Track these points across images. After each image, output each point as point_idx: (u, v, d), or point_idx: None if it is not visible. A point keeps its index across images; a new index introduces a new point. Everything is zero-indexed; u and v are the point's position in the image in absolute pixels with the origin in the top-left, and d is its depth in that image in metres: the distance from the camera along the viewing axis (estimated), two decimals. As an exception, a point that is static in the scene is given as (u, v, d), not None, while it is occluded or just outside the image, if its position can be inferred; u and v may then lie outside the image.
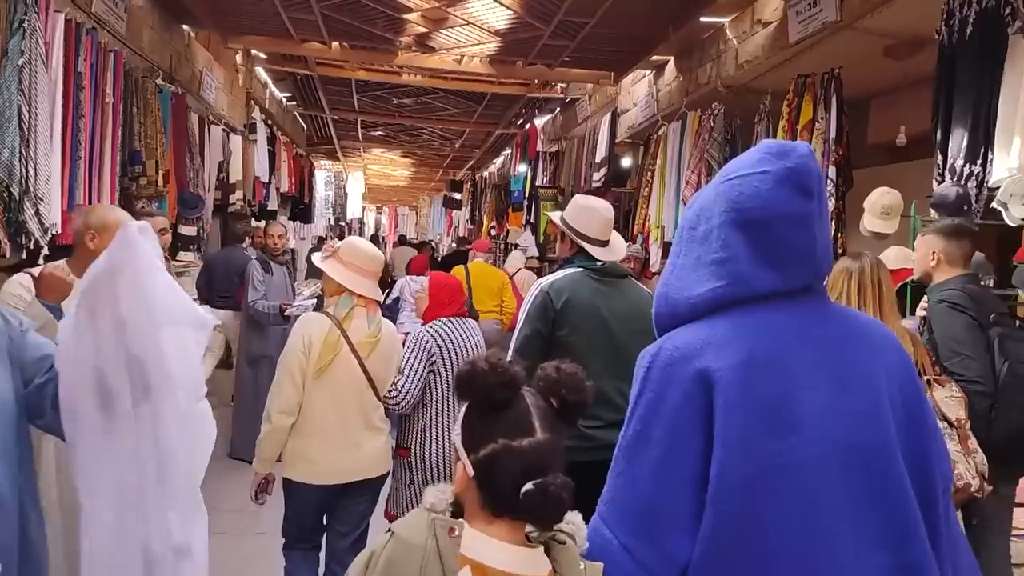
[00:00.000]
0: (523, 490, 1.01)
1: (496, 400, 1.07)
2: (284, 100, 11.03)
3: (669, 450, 1.07)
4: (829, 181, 4.15)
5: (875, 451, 1.06)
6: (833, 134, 4.20)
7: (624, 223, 8.00)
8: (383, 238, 23.58)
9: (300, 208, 12.62)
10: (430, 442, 2.78)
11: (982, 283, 2.82)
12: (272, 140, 9.91)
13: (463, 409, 1.13)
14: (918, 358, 2.26)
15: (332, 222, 18.72)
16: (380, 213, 28.35)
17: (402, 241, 17.54)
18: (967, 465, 2.17)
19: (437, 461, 2.76)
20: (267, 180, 9.57)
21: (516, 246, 10.46)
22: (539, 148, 10.97)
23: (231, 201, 7.69)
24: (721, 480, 1.03)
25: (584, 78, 7.90)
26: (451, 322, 2.90)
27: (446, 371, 2.81)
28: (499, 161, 15.76)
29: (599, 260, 2.49)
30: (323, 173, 18.56)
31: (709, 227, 1.14)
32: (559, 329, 2.39)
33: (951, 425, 2.21)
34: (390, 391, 2.73)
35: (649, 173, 6.92)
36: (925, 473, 1.10)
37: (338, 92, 10.22)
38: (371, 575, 1.04)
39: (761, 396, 1.05)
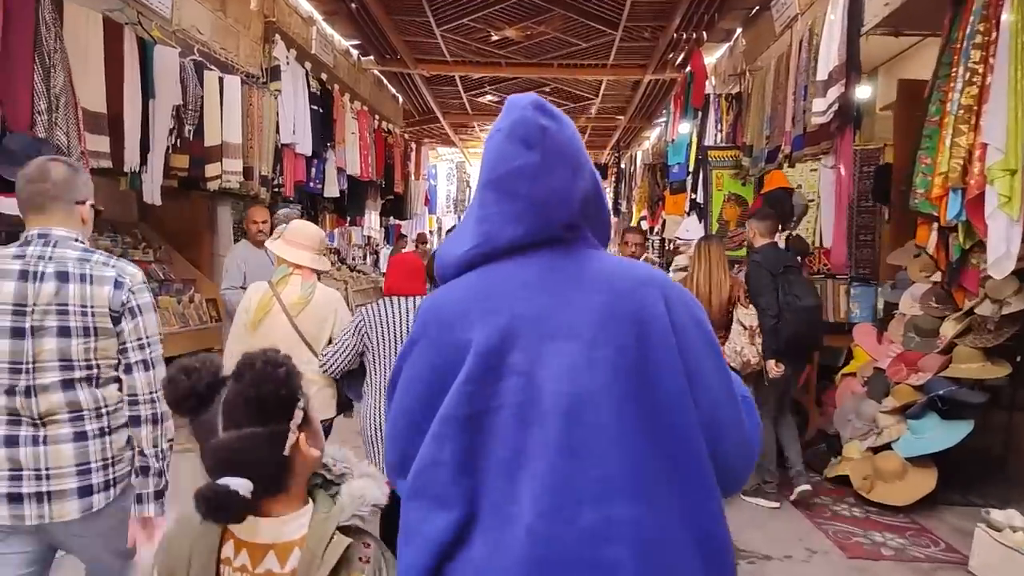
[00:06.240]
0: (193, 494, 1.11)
1: (182, 411, 1.19)
2: (353, 50, 8.25)
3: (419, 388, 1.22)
4: None
5: (584, 399, 1.07)
6: None
7: (883, 182, 4.34)
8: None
9: (389, 199, 9.86)
10: (362, 407, 3.09)
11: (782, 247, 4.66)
12: (325, 100, 7.13)
13: None
14: (733, 293, 4.14)
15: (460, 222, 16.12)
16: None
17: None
18: (751, 349, 4.02)
19: (362, 426, 3.02)
20: (314, 154, 6.77)
21: (673, 243, 6.97)
22: (710, 91, 7.34)
23: (209, 174, 4.88)
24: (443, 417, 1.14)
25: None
26: (392, 300, 3.05)
27: (376, 346, 2.99)
28: (652, 136, 12.24)
29: None
30: (445, 164, 16.04)
31: (476, 187, 1.23)
32: None
33: (746, 328, 4.05)
34: (322, 355, 3.12)
35: (977, 55, 3.18)
36: (656, 422, 1.09)
37: (411, 25, 7.24)
38: (159, 551, 1.27)
39: (482, 348, 1.11)
